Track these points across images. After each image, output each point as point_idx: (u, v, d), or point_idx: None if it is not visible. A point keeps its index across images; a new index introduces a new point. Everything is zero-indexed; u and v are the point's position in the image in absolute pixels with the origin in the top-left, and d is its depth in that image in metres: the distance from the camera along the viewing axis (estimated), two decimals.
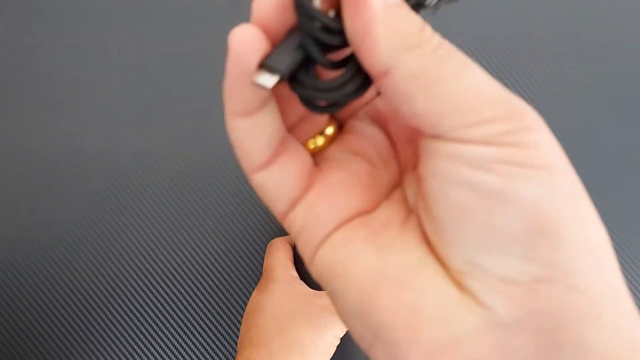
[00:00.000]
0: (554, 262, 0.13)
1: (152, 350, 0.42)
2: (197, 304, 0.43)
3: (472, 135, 0.13)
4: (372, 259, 0.15)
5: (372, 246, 0.16)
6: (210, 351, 0.42)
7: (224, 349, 0.42)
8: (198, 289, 0.43)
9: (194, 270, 0.43)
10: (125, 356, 0.41)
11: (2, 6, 0.47)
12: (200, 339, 0.42)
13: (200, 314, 0.43)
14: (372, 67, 0.14)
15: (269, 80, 0.15)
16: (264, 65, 0.15)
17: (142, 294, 0.43)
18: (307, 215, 0.17)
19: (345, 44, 0.15)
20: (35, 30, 0.47)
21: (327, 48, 0.15)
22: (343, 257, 0.16)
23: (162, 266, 0.43)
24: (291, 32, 0.15)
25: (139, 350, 0.41)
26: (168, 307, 0.43)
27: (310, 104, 0.16)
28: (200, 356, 0.42)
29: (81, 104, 0.46)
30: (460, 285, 0.14)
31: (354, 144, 0.19)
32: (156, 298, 0.43)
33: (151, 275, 0.43)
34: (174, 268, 0.43)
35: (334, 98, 0.15)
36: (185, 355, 0.42)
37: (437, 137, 0.14)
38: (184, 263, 0.44)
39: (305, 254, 0.17)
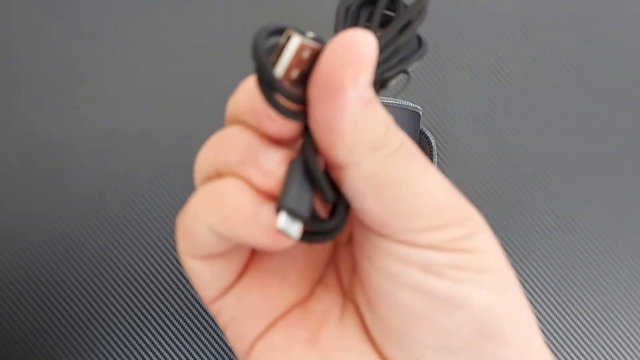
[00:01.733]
0: None
1: (154, 341, 0.42)
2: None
3: (421, 240, 0.13)
4: None
5: (314, 351, 0.15)
6: (214, 344, 0.42)
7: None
8: None
9: None
10: (128, 349, 0.41)
11: None
12: (201, 332, 0.42)
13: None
14: (329, 159, 0.13)
15: (294, 228, 0.13)
16: (282, 207, 0.13)
17: (147, 280, 0.43)
18: (238, 307, 0.16)
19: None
20: (40, 13, 0.46)
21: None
22: None
23: (171, 249, 0.43)
24: (293, 162, 0.13)
25: (142, 344, 0.41)
26: (177, 291, 0.42)
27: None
28: (206, 351, 0.42)
29: (88, 86, 0.45)
30: None
31: None
32: (166, 281, 0.42)
33: (160, 258, 0.43)
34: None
35: (336, 235, 0.14)
36: (191, 350, 0.42)
37: (386, 236, 0.14)
38: None
39: (237, 347, 0.16)
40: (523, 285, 0.42)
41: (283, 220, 0.13)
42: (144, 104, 0.45)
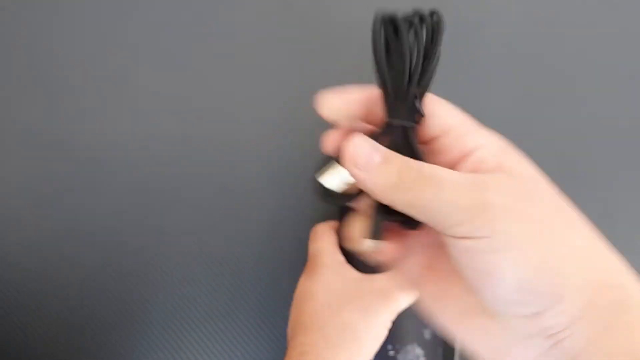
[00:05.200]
0: (542, 307, 0.19)
1: (197, 338, 0.42)
2: (243, 290, 0.43)
3: (456, 232, 0.19)
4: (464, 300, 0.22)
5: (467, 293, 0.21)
6: (257, 335, 0.42)
7: (272, 335, 0.42)
8: (242, 271, 0.43)
9: (236, 255, 0.44)
10: (169, 343, 0.42)
11: None
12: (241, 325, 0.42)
13: (245, 299, 0.43)
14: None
15: (372, 245, 0.23)
16: (369, 238, 0.22)
17: (182, 281, 0.43)
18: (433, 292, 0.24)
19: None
20: (75, 21, 0.47)
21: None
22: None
23: (205, 250, 0.44)
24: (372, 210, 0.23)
25: (184, 339, 0.42)
26: (209, 295, 0.43)
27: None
28: (249, 341, 0.42)
29: (123, 93, 0.46)
30: (491, 316, 0.21)
31: None
32: (197, 284, 0.43)
33: (194, 260, 0.43)
34: (217, 253, 0.44)
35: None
36: (233, 340, 0.42)
37: (440, 232, 0.20)
38: (225, 247, 0.44)
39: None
40: None
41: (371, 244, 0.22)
42: (177, 109, 0.46)
